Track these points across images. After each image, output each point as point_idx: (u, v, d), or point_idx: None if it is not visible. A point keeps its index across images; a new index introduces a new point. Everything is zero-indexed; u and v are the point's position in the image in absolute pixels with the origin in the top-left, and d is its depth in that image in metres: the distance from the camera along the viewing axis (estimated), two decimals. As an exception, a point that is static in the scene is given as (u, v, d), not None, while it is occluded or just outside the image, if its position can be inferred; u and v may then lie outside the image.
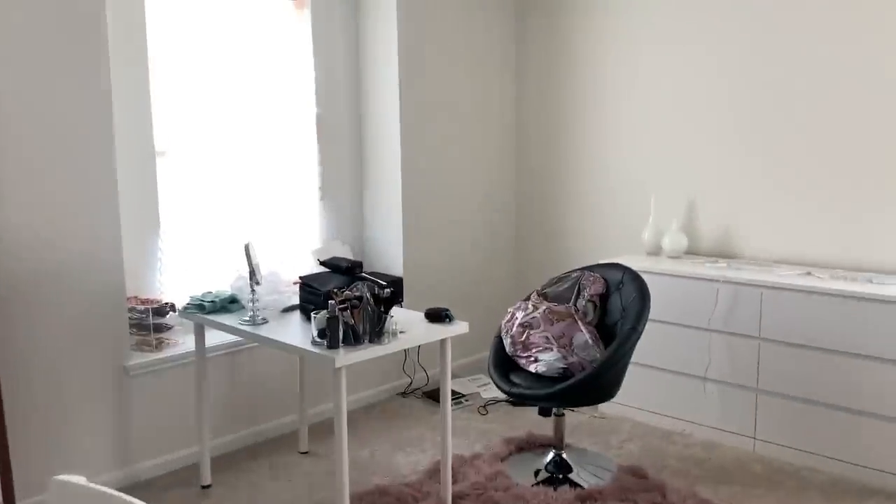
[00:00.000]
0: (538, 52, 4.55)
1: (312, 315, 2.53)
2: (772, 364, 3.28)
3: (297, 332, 2.72)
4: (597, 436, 3.61)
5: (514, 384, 3.07)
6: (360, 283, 2.75)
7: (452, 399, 3.99)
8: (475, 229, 4.55)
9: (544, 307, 3.18)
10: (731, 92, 3.75)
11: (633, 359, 3.48)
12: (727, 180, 3.82)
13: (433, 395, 4.11)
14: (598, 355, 3.02)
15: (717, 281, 3.40)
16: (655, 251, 3.96)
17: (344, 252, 4.06)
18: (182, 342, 3.38)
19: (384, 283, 2.79)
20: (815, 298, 3.13)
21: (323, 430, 3.72)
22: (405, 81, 4.04)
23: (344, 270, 2.97)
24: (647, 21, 4.03)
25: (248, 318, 2.83)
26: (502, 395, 4.10)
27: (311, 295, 2.87)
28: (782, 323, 3.23)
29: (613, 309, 3.18)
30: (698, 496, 2.93)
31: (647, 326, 3.34)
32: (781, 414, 3.28)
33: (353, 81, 4.17)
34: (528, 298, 3.31)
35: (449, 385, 2.82)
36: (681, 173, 3.98)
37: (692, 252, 3.96)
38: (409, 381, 4.26)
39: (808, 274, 3.36)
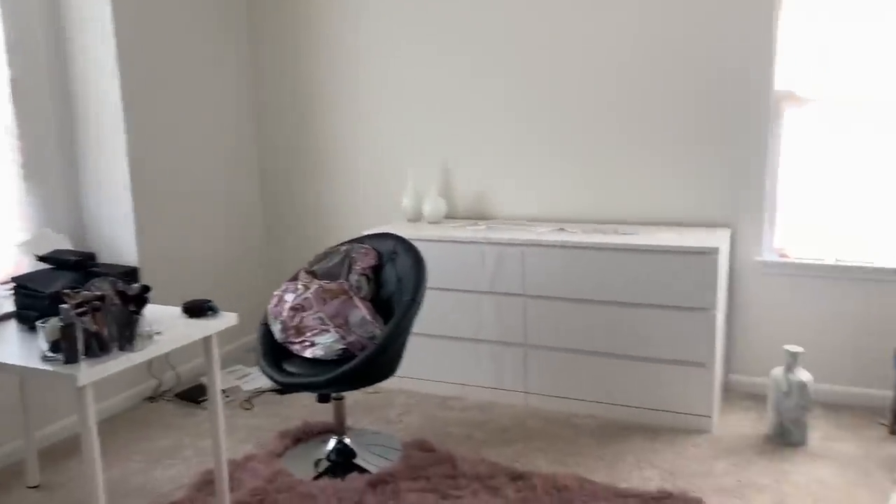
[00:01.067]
0: (276, 18, 4.18)
1: (39, 324, 2.03)
2: (537, 319, 3.37)
3: (15, 347, 2.19)
4: (374, 413, 3.46)
5: (289, 374, 2.79)
6: (97, 279, 2.27)
7: (211, 396, 3.58)
8: (219, 208, 4.11)
9: (316, 286, 2.92)
10: (479, 61, 3.75)
11: (407, 330, 3.39)
12: (479, 145, 3.83)
13: (187, 396, 3.66)
14: (377, 331, 2.84)
15: (482, 243, 3.40)
16: (416, 217, 3.87)
17: (60, 243, 3.41)
18: None
19: (121, 276, 2.34)
20: (572, 252, 3.26)
21: (57, 455, 3.11)
22: (124, 41, 3.45)
23: (72, 265, 2.45)
24: (389, -21, 3.88)
25: (-57, 337, 2.21)
26: (266, 385, 3.78)
27: (31, 299, 2.32)
28: (544, 278, 3.32)
29: (388, 281, 3.02)
30: (487, 461, 2.91)
31: (420, 295, 3.27)
32: (549, 366, 3.39)
33: (58, 39, 3.47)
34: (295, 278, 3.02)
35: (218, 385, 2.47)
36: (435, 139, 3.92)
37: (451, 216, 3.94)
38: (158, 383, 3.75)
39: (562, 230, 3.49)
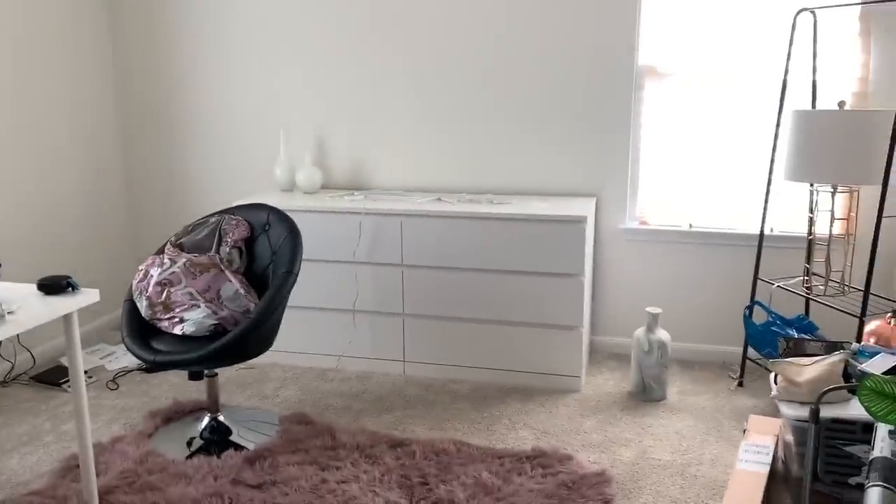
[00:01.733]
0: (131, -33, 3.93)
1: None
2: (415, 288, 3.40)
3: None
4: (249, 389, 3.39)
5: (158, 352, 2.67)
6: (-64, 255, 2.08)
7: (72, 378, 3.38)
8: (77, 177, 3.84)
9: (184, 260, 2.81)
10: (353, 28, 3.69)
11: (283, 302, 3.34)
12: (355, 114, 3.79)
13: (45, 379, 3.43)
14: (251, 305, 2.78)
15: (359, 213, 3.37)
16: (290, 188, 3.79)
17: None
18: None
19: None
20: (449, 221, 3.29)
21: None
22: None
23: None
24: (257, -61, 3.73)
25: None
26: (132, 364, 3.61)
27: None
28: (421, 248, 3.35)
29: (262, 253, 2.94)
30: (366, 430, 2.93)
31: (295, 267, 3.25)
32: (427, 335, 3.43)
33: None
34: (161, 252, 2.89)
35: (81, 365, 2.33)
36: (308, 107, 3.84)
37: (327, 186, 3.89)
38: (11, 365, 3.49)
39: (439, 199, 3.52)
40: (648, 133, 3.53)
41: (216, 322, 2.71)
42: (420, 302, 3.40)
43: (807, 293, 3.14)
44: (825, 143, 2.83)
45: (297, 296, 3.52)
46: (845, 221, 3.14)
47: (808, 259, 3.22)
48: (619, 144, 3.51)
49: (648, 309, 3.17)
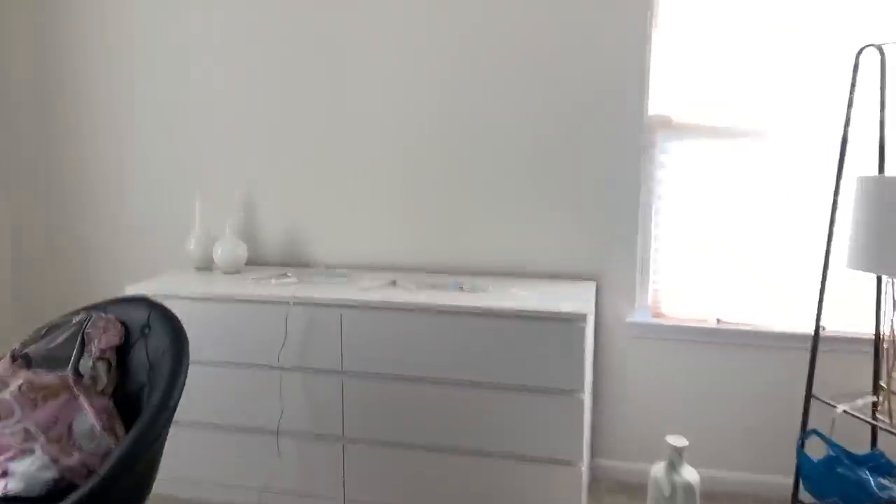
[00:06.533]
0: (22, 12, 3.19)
1: None
2: (359, 404, 2.58)
3: None
4: (137, 537, 2.53)
5: (-34, 521, 1.83)
6: None
7: None
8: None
9: (20, 382, 1.99)
10: (290, 71, 2.95)
11: (180, 417, 2.56)
12: (290, 178, 3.03)
13: None
14: (113, 444, 1.95)
15: (287, 303, 2.57)
16: (207, 265, 2.99)
17: None
18: None
19: None
20: (403, 316, 2.50)
21: None
22: None
23: None
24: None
25: None
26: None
27: None
28: (367, 350, 2.54)
29: (137, 366, 2.12)
30: None
31: (195, 372, 2.56)
32: (373, 465, 2.60)
33: None
34: (-7, 368, 2.07)
35: None
36: (233, 169, 3.07)
37: (255, 263, 3.10)
38: None
39: (394, 283, 2.73)
40: (665, 203, 2.78)
41: (56, 476, 1.88)
42: (365, 422, 2.58)
43: (878, 421, 2.35)
44: (910, 223, 2.08)
45: (204, 410, 2.69)
46: (929, 323, 2.38)
47: (877, 372, 2.44)
48: (625, 214, 2.75)
49: (670, 440, 2.37)
